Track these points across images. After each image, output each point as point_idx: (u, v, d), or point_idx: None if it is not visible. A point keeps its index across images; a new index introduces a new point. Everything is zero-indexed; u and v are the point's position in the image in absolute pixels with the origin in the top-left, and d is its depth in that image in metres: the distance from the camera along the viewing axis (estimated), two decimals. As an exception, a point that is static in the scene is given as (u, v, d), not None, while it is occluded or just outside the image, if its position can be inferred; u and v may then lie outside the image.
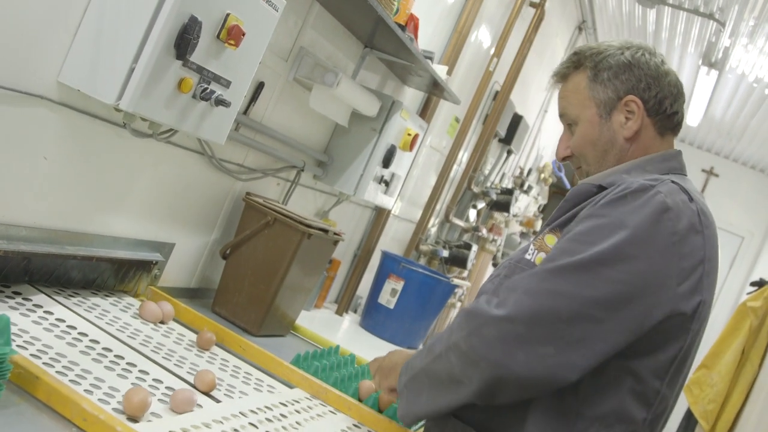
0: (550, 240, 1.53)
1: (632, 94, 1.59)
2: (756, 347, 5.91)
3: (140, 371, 1.71)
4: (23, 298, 1.83)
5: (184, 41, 1.71)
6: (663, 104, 1.60)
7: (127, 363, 1.72)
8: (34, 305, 1.82)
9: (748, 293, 6.56)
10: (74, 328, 1.79)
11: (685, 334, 1.43)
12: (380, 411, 2.15)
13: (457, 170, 4.97)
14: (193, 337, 2.14)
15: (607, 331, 1.35)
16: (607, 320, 1.35)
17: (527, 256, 1.57)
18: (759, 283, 6.58)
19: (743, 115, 7.39)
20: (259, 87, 2.48)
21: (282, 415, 1.83)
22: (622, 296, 1.35)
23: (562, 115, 1.69)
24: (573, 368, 1.36)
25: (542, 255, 1.53)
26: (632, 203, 1.40)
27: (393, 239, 4.41)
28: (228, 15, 1.81)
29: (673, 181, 1.47)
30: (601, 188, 1.55)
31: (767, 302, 6.01)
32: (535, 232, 7.74)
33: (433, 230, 5.03)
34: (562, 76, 1.68)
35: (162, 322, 2.13)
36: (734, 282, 8.88)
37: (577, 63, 1.65)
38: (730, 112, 7.42)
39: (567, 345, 1.34)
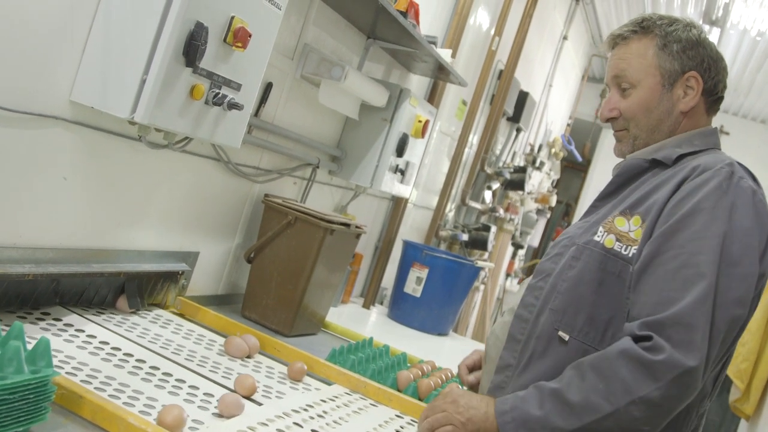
0: (621, 222, 1.55)
1: (695, 71, 1.62)
2: (784, 303, 5.86)
3: (177, 380, 1.72)
4: (54, 319, 1.84)
5: (192, 48, 1.70)
6: (717, 87, 1.65)
7: (163, 373, 1.73)
8: (65, 325, 1.83)
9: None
10: (107, 343, 1.80)
11: (759, 295, 1.49)
12: (420, 399, 2.14)
13: (468, 153, 4.96)
14: (212, 336, 2.14)
15: (744, 319, 1.44)
16: (745, 314, 1.43)
17: (596, 238, 1.56)
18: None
19: (749, 70, 7.33)
20: (268, 87, 2.47)
21: (324, 412, 1.83)
22: (752, 287, 1.43)
23: (618, 76, 1.68)
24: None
25: (611, 237, 1.54)
26: (728, 194, 1.46)
27: (412, 228, 4.40)
28: (233, 18, 1.80)
29: (739, 163, 1.54)
30: (655, 162, 1.61)
31: (792, 255, 5.95)
32: (551, 208, 7.72)
33: (451, 215, 5.02)
34: (624, 38, 1.68)
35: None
36: (755, 237, 8.82)
37: (646, 29, 1.65)
38: (735, 68, 7.36)
39: (723, 352, 1.46)
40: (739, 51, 6.83)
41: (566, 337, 1.53)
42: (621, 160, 1.72)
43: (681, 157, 1.59)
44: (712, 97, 1.66)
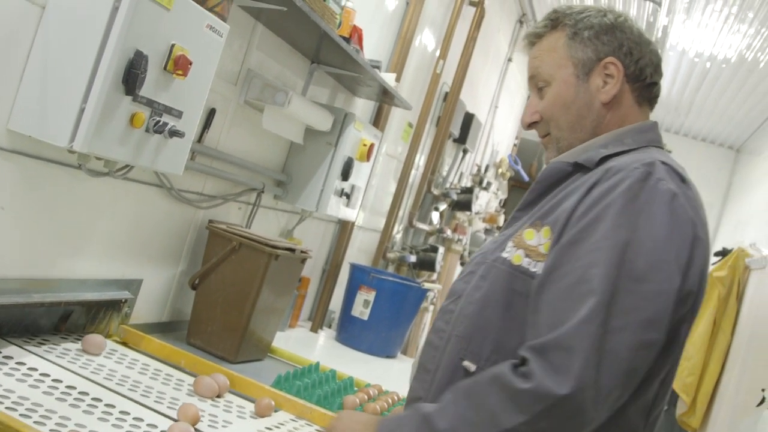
0: (530, 236, 1.38)
1: (613, 56, 1.47)
2: (726, 316, 6.01)
3: (120, 412, 1.69)
4: (-7, 352, 1.81)
5: (132, 76, 1.70)
6: (644, 72, 1.49)
7: (106, 405, 1.70)
8: (4, 357, 1.79)
9: (713, 264, 6.68)
10: (47, 375, 1.76)
11: (685, 323, 1.33)
12: (367, 423, 2.14)
13: (415, 175, 4.99)
14: (171, 371, 2.12)
15: (658, 348, 1.25)
16: (662, 339, 1.24)
17: (504, 254, 1.41)
18: (722, 253, 6.70)
19: (689, 90, 7.51)
20: (211, 113, 2.47)
21: (269, 440, 1.82)
22: (666, 307, 1.23)
23: (533, 77, 1.54)
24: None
25: (520, 252, 1.38)
26: (638, 198, 1.28)
27: (360, 250, 4.41)
28: (173, 46, 1.80)
29: (663, 162, 1.35)
30: (577, 166, 1.44)
31: (732, 271, 6.12)
32: (499, 227, 7.79)
33: (399, 237, 5.04)
34: (538, 36, 1.55)
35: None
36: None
37: (555, 22, 1.52)
38: (676, 88, 7.54)
39: (632, 381, 1.24)
40: (679, 71, 7.01)
41: (472, 368, 1.37)
42: None
43: (605, 159, 1.41)
44: (639, 83, 1.49)
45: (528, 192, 1.50)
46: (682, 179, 1.35)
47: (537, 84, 1.54)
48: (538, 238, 1.37)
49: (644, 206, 1.27)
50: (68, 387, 1.74)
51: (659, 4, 5.47)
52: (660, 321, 1.23)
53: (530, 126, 1.57)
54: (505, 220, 8.88)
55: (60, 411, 1.58)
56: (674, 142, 9.39)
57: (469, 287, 1.45)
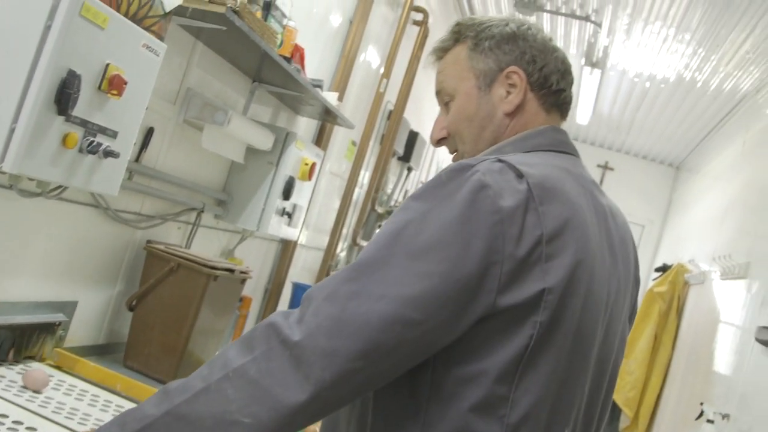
0: None
1: (515, 65, 1.41)
2: (667, 331, 6.13)
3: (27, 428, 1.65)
4: None
5: (64, 96, 1.67)
6: (549, 79, 1.43)
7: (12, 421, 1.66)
8: (-69, 384, 1.74)
9: (653, 279, 6.81)
10: (-22, 403, 1.72)
11: (527, 328, 1.16)
12: (306, 446, 2.13)
13: (359, 192, 5.00)
14: (110, 397, 2.08)
15: (423, 333, 1.12)
16: (423, 321, 1.11)
17: None
18: (662, 268, 6.84)
19: (629, 109, 7.66)
20: (149, 132, 2.44)
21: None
22: (438, 291, 1.12)
23: (439, 92, 1.49)
24: (385, 381, 1.16)
25: None
26: (447, 186, 1.20)
27: (303, 269, 4.39)
28: (108, 65, 1.78)
29: (500, 160, 1.24)
30: None
31: (672, 286, 6.25)
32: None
33: (343, 255, 5.03)
34: (442, 50, 1.50)
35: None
36: (640, 270, 9.19)
37: (457, 35, 1.47)
38: (617, 107, 7.68)
39: (382, 356, 1.11)
40: (620, 91, 7.14)
41: None
42: None
43: None
44: (545, 90, 1.43)
45: None
46: (520, 175, 1.21)
47: (443, 99, 1.49)
48: None
49: (446, 194, 1.18)
50: (0, 416, 1.69)
51: (599, 26, 5.57)
52: (424, 302, 1.11)
53: (439, 142, 1.51)
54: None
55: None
56: (616, 160, 9.56)
57: None
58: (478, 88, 1.42)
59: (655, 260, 8.88)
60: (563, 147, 1.43)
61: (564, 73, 1.45)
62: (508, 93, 1.41)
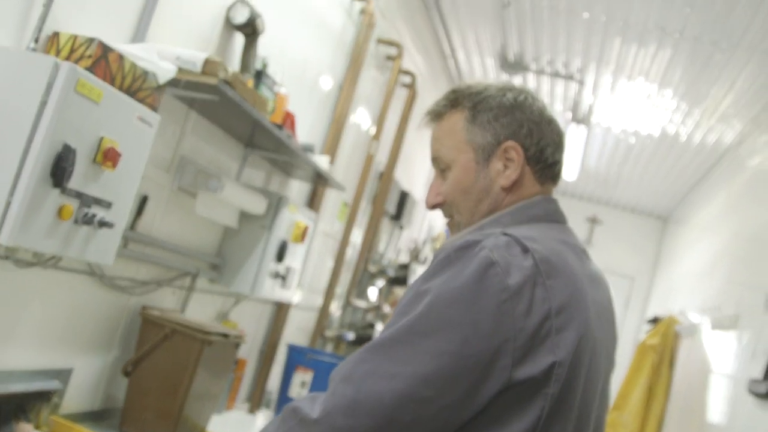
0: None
1: (513, 140, 1.42)
2: (660, 383, 6.11)
3: None
4: None
5: (60, 169, 1.71)
6: (544, 153, 1.44)
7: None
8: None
9: (646, 331, 6.82)
10: (-26, 474, 1.73)
11: (540, 400, 1.20)
12: None
13: (352, 252, 5.03)
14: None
15: (438, 410, 1.16)
16: (437, 398, 1.15)
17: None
18: (653, 321, 6.85)
19: (615, 163, 7.76)
20: (144, 200, 2.48)
21: None
22: (450, 369, 1.16)
23: (434, 159, 1.50)
24: None
25: None
26: (455, 264, 1.23)
27: (298, 329, 4.40)
28: (102, 138, 1.83)
29: (506, 233, 1.28)
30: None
31: (664, 338, 6.26)
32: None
33: (337, 314, 5.05)
34: (437, 115, 1.50)
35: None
36: (631, 322, 9.16)
37: (454, 102, 1.47)
38: (603, 162, 7.78)
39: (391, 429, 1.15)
40: (605, 146, 7.25)
41: None
42: None
43: None
44: (541, 164, 1.44)
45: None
46: (526, 249, 1.25)
47: (439, 166, 1.49)
48: None
49: (455, 272, 1.22)
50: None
51: (583, 84, 5.69)
52: (437, 379, 1.16)
53: (434, 207, 1.51)
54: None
55: None
56: (604, 213, 9.63)
57: None
58: (476, 162, 1.43)
59: (645, 312, 8.89)
60: (556, 217, 1.46)
61: (558, 144, 1.47)
62: (506, 167, 1.42)
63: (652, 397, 6.13)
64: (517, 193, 1.44)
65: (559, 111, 6.54)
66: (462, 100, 1.46)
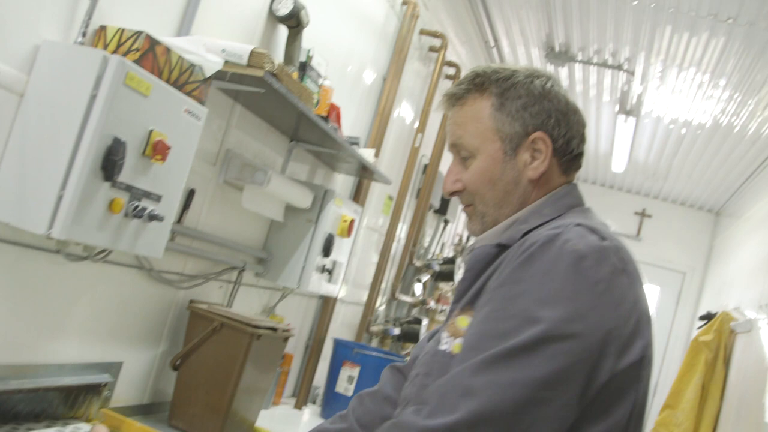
0: (463, 322, 1.32)
1: (541, 131, 1.40)
2: (714, 381, 5.99)
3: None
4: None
5: (110, 163, 1.71)
6: (571, 144, 1.44)
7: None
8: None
9: (698, 328, 6.68)
10: (28, 466, 1.74)
11: (637, 383, 1.25)
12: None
13: (396, 247, 5.01)
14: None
15: (557, 409, 1.16)
16: (555, 398, 1.16)
17: (442, 347, 1.35)
18: (707, 317, 6.71)
19: (665, 156, 7.62)
20: (191, 194, 2.48)
21: None
22: (565, 368, 1.16)
23: (455, 145, 1.46)
24: None
25: (459, 341, 1.31)
26: (543, 261, 1.23)
27: (343, 324, 4.39)
28: (151, 131, 1.83)
29: (578, 224, 1.29)
30: (501, 246, 1.38)
31: (718, 335, 6.13)
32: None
33: (382, 309, 5.03)
34: (459, 98, 1.45)
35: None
36: (683, 318, 9.01)
37: (479, 86, 1.43)
38: (653, 154, 7.65)
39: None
40: (655, 138, 7.12)
41: None
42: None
43: (528, 233, 1.35)
44: (567, 156, 1.44)
45: (460, 282, 1.43)
46: (603, 237, 1.27)
47: (461, 153, 1.46)
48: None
49: (547, 270, 1.22)
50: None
51: (632, 74, 5.59)
52: (557, 380, 1.17)
53: (452, 194, 1.49)
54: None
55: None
56: (654, 207, 9.47)
57: (415, 389, 1.39)
58: (504, 152, 1.41)
59: (698, 308, 8.73)
60: (583, 202, 1.47)
61: (582, 136, 1.47)
62: (533, 159, 1.41)
63: (706, 395, 6.01)
64: (545, 186, 1.43)
65: (606, 102, 6.43)
66: (488, 85, 1.43)
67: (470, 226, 1.50)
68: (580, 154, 1.47)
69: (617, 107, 6.42)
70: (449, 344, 1.33)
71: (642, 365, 1.25)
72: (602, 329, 1.19)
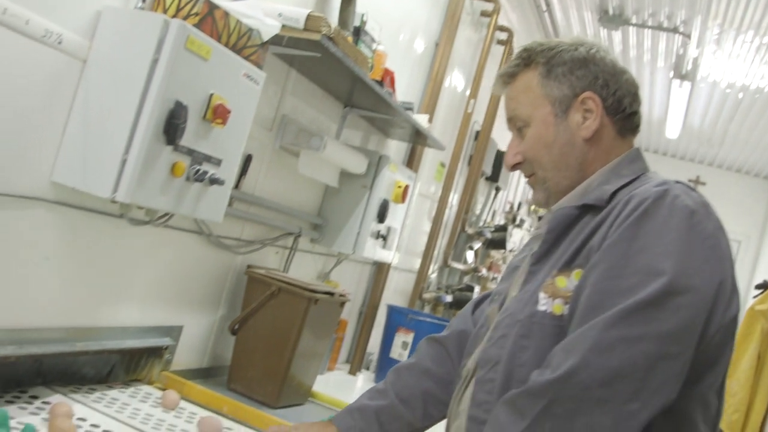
0: (561, 283, 1.34)
1: (590, 91, 1.46)
2: (771, 350, 5.88)
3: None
4: (42, 402, 1.82)
5: (172, 127, 1.72)
6: (622, 103, 1.47)
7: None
8: (43, 402, 1.80)
9: (754, 297, 6.57)
10: (97, 426, 1.77)
11: (731, 338, 1.30)
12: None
13: (449, 214, 4.99)
14: (193, 409, 2.13)
15: (682, 363, 1.20)
16: (682, 352, 1.20)
17: (541, 308, 1.35)
18: (763, 285, 6.58)
19: (721, 122, 7.46)
20: (248, 160, 2.49)
21: (314, 486, 1.80)
22: (688, 321, 1.20)
23: (511, 119, 1.53)
24: (655, 413, 1.20)
25: (558, 302, 1.33)
26: (657, 217, 1.26)
27: (395, 291, 4.40)
28: (212, 95, 1.83)
29: (677, 181, 1.34)
30: (585, 207, 1.41)
31: (775, 303, 6.00)
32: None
33: (434, 277, 5.02)
34: (511, 75, 1.52)
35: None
36: (739, 286, 8.89)
37: (527, 60, 1.50)
38: (708, 120, 7.50)
39: (651, 394, 1.17)
40: (711, 103, 6.97)
41: None
42: (547, 212, 1.53)
43: (614, 194, 1.39)
44: (619, 114, 1.47)
45: (540, 244, 1.45)
46: (700, 195, 1.33)
47: (516, 125, 1.52)
48: (571, 282, 1.34)
49: (663, 225, 1.26)
50: (102, 429, 1.74)
51: (688, 37, 5.46)
52: (683, 334, 1.21)
53: (514, 167, 1.55)
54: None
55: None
56: (708, 174, 9.30)
57: (507, 351, 1.38)
58: (555, 115, 1.46)
59: (753, 277, 8.57)
60: (649, 169, 1.50)
61: (635, 95, 1.50)
62: (585, 119, 1.45)
63: (762, 365, 5.91)
64: (602, 146, 1.47)
65: (661, 67, 6.30)
66: (535, 57, 1.49)
67: (534, 197, 1.54)
68: (635, 113, 1.50)
69: (672, 72, 6.29)
70: (548, 305, 1.35)
71: (736, 320, 1.29)
72: (714, 283, 1.23)
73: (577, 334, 1.22)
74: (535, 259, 1.45)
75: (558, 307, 1.34)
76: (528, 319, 1.37)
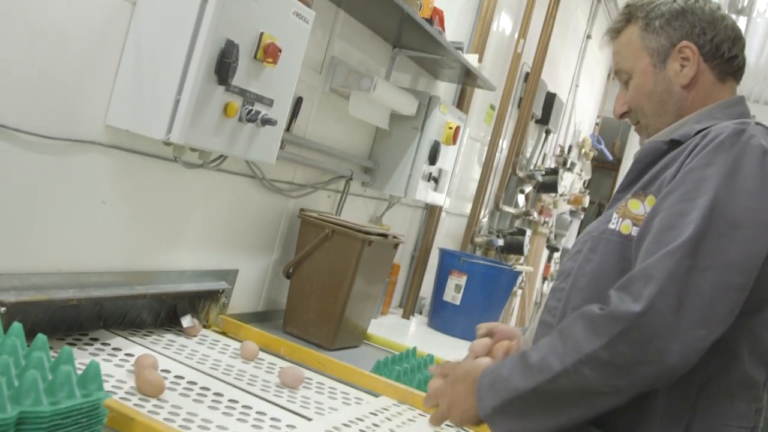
0: (635, 205, 1.42)
1: (687, 40, 1.51)
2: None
3: (229, 401, 1.71)
4: (102, 344, 1.85)
5: (224, 66, 1.71)
6: (720, 48, 1.51)
7: (215, 394, 1.73)
8: (113, 349, 1.83)
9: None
10: (182, 377, 1.78)
11: None
12: (469, 407, 2.12)
13: (499, 157, 4.93)
14: (272, 359, 2.13)
15: (742, 295, 1.26)
16: (747, 284, 1.26)
17: (611, 226, 1.44)
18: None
19: (779, 59, 7.24)
20: (298, 102, 2.47)
21: (374, 425, 1.81)
22: (751, 255, 1.27)
23: (617, 72, 1.62)
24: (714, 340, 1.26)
25: (627, 222, 1.41)
26: (732, 151, 1.31)
27: (446, 236, 4.38)
28: (262, 34, 1.81)
29: (758, 123, 1.38)
30: (673, 143, 1.46)
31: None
32: (584, 209, 7.66)
33: (485, 221, 4.99)
34: (615, 31, 1.62)
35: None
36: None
37: (628, 16, 1.58)
38: (765, 56, 7.27)
39: (717, 323, 1.24)
40: (767, 39, 6.75)
41: None
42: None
43: (700, 132, 1.43)
44: (718, 59, 1.52)
45: (627, 173, 1.54)
46: None
47: (622, 77, 1.61)
48: (644, 207, 1.41)
49: (736, 159, 1.31)
50: (176, 377, 1.76)
51: (746, -30, 5.28)
52: (747, 266, 1.26)
53: (622, 116, 1.63)
54: (591, 202, 8.71)
55: (171, 400, 1.61)
56: (764, 114, 9.05)
57: (577, 264, 1.48)
58: (654, 65, 1.53)
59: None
60: (749, 113, 1.52)
61: (735, 39, 1.53)
62: (683, 67, 1.51)
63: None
64: (701, 92, 1.52)
65: (715, 2, 6.10)
66: (635, 12, 1.57)
67: (641, 143, 1.62)
68: (734, 57, 1.53)
69: (727, 8, 6.09)
70: (617, 224, 1.43)
71: None
72: None
73: (656, 261, 1.27)
74: (620, 188, 1.53)
75: (626, 227, 1.42)
76: (599, 235, 1.46)
